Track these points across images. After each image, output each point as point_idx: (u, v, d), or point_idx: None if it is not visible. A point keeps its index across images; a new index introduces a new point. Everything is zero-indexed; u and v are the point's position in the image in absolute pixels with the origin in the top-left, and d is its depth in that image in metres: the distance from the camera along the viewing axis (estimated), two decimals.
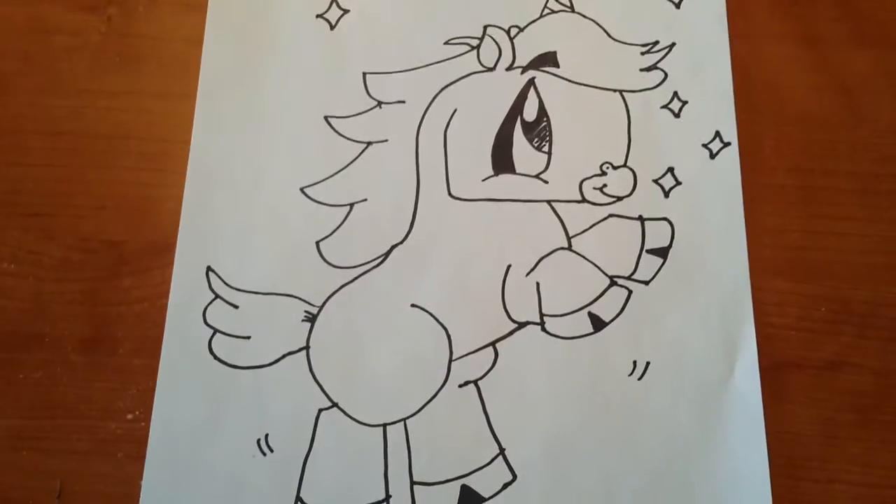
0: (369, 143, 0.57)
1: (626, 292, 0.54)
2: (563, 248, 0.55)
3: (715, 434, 0.52)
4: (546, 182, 0.56)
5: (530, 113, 0.58)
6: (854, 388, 0.53)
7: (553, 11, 0.60)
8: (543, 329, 0.54)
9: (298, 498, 0.51)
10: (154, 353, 0.53)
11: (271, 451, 0.51)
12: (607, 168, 0.56)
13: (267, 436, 0.52)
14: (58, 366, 0.54)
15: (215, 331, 0.53)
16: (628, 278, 0.54)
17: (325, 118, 0.58)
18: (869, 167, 0.57)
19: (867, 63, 0.59)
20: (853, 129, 0.58)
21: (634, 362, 0.53)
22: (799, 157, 0.57)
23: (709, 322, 0.54)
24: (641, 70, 0.59)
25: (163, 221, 0.56)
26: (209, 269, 0.55)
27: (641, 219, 0.55)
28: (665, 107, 0.58)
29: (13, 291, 0.55)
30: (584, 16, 0.60)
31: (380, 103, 0.58)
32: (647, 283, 0.54)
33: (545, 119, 0.58)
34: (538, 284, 0.54)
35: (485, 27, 0.60)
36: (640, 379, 0.53)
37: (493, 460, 0.51)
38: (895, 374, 0.53)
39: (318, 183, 0.57)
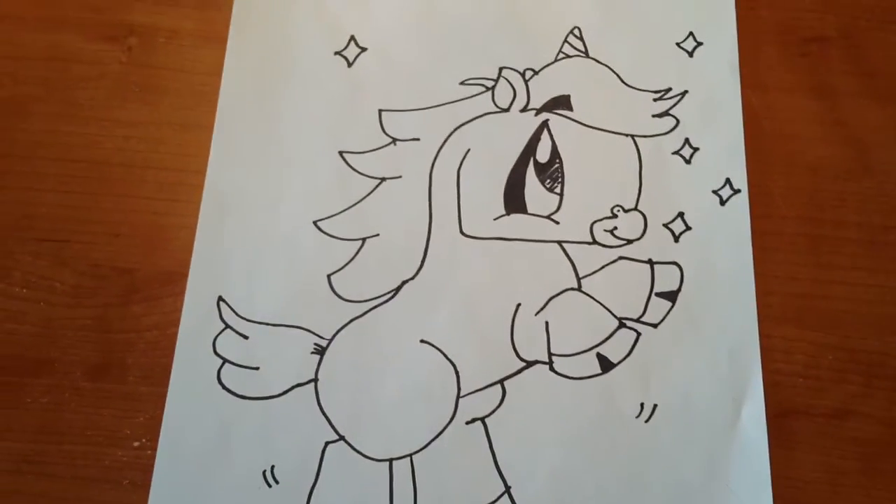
0: (383, 179, 0.58)
1: (634, 335, 0.54)
2: (572, 289, 0.55)
3: (720, 479, 0.52)
4: (557, 223, 0.57)
5: (543, 154, 0.58)
6: (860, 436, 0.53)
7: (567, 56, 0.61)
8: (552, 368, 0.54)
9: None
10: (163, 382, 0.53)
11: (277, 482, 0.51)
12: (618, 211, 0.57)
13: (273, 467, 0.52)
14: (66, 391, 0.54)
15: (224, 360, 0.54)
16: (637, 321, 0.55)
17: (340, 153, 0.58)
18: (877, 218, 0.57)
19: (877, 116, 0.60)
20: (862, 181, 0.58)
21: (642, 404, 0.53)
22: (808, 206, 0.58)
23: (717, 367, 0.54)
24: (654, 116, 0.59)
25: (175, 250, 0.56)
26: (220, 298, 0.55)
27: (651, 262, 0.56)
28: (676, 153, 0.59)
29: (24, 316, 0.55)
30: (597, 61, 0.61)
31: (394, 140, 0.59)
32: (655, 325, 0.55)
33: (558, 161, 0.58)
34: (547, 324, 0.54)
35: (500, 69, 0.60)
36: (647, 421, 0.53)
37: (498, 498, 0.51)
38: None
39: (331, 217, 0.57)
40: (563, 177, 0.58)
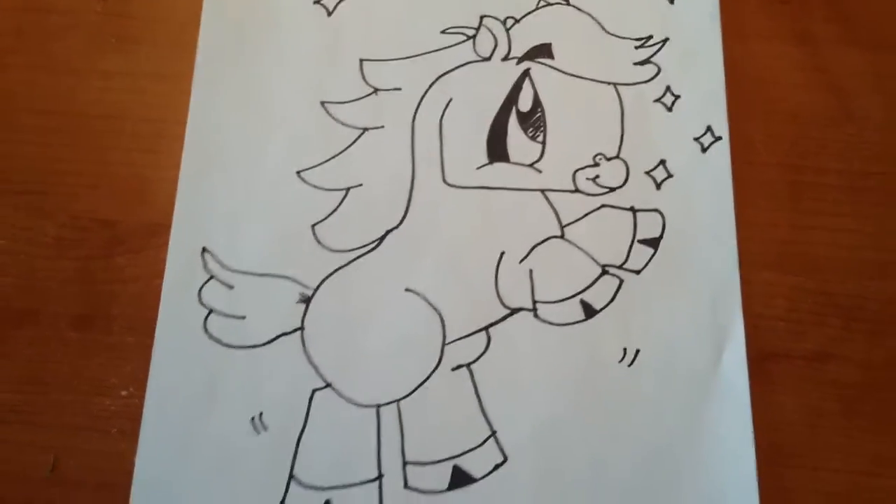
0: (365, 129, 0.58)
1: (617, 281, 0.55)
2: (556, 237, 0.56)
3: (702, 421, 0.53)
4: (540, 171, 0.57)
5: (525, 103, 0.58)
6: (839, 378, 0.54)
7: (549, 4, 0.61)
8: (536, 315, 0.54)
9: (292, 475, 0.51)
10: (148, 332, 0.53)
11: (265, 429, 0.52)
12: (600, 159, 0.57)
13: (261, 414, 0.52)
14: (51, 342, 0.54)
15: (210, 310, 0.54)
16: (620, 267, 0.55)
17: (322, 103, 0.58)
18: (857, 165, 0.58)
19: (857, 62, 0.60)
20: (843, 127, 0.59)
21: (624, 349, 0.54)
22: (789, 153, 0.58)
23: (698, 312, 0.54)
24: (635, 64, 0.60)
25: (158, 202, 0.56)
26: (204, 249, 0.55)
27: (633, 209, 0.56)
28: (658, 100, 0.59)
29: (6, 268, 0.55)
30: (579, 9, 0.61)
31: (376, 90, 0.59)
32: (638, 272, 0.55)
33: (539, 110, 0.58)
34: (531, 272, 0.55)
35: (481, 17, 0.60)
36: (629, 366, 0.54)
37: (484, 442, 0.52)
38: (879, 366, 0.54)
39: (314, 167, 0.57)
40: (545, 125, 0.58)
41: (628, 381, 0.53)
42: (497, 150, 0.57)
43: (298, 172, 0.57)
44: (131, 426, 0.52)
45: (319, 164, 0.57)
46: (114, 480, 0.51)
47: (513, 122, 0.58)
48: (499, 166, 0.57)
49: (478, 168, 0.57)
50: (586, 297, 0.55)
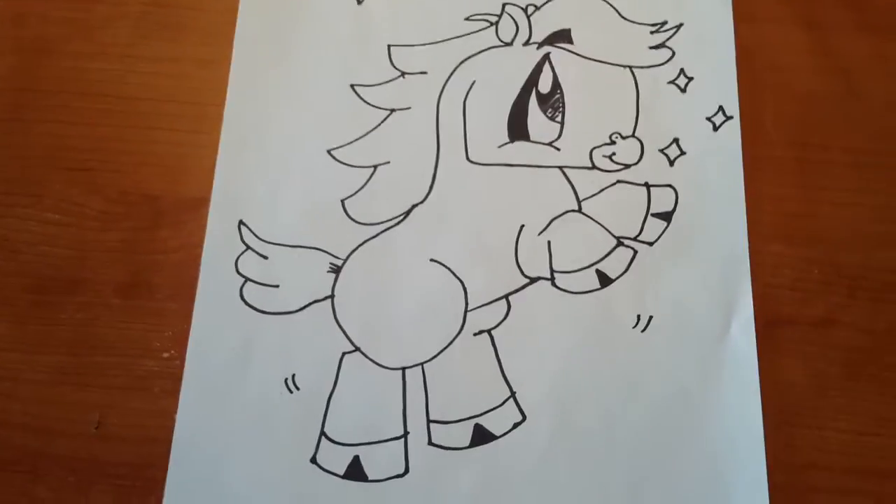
0: (392, 111, 0.61)
1: (631, 252, 0.58)
2: (573, 211, 0.58)
3: (712, 383, 0.55)
4: (558, 149, 0.60)
5: (545, 85, 0.61)
6: (843, 343, 0.56)
7: None
8: (553, 284, 0.57)
9: (322, 433, 0.54)
10: (188, 298, 0.57)
11: (297, 389, 0.55)
12: (616, 137, 0.60)
13: (294, 375, 0.55)
14: (98, 308, 0.57)
15: (246, 279, 0.57)
16: (634, 239, 0.58)
17: (352, 86, 0.62)
18: (862, 142, 0.60)
19: (864, 46, 0.63)
20: (848, 107, 0.61)
21: (638, 316, 0.56)
22: (797, 131, 0.61)
23: (709, 280, 0.57)
24: (650, 48, 0.62)
25: (198, 178, 0.60)
26: (241, 222, 0.58)
27: (647, 185, 0.59)
28: (672, 82, 0.62)
29: (57, 239, 0.59)
30: None
31: (403, 73, 0.62)
32: (651, 244, 0.58)
33: (559, 91, 0.61)
34: (549, 243, 0.58)
35: (503, 5, 0.63)
36: (643, 331, 0.56)
37: (504, 402, 0.55)
38: (882, 332, 0.56)
39: (344, 146, 0.60)
40: (563, 106, 0.61)
41: (642, 346, 0.56)
42: (518, 129, 0.60)
43: (329, 151, 0.60)
44: (172, 385, 0.55)
45: (349, 143, 0.60)
46: (155, 435, 0.55)
47: (533, 103, 0.61)
48: (519, 144, 0.60)
49: (499, 146, 0.60)
50: (602, 266, 0.57)
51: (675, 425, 0.55)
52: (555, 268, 0.57)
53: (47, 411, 0.55)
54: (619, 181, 0.59)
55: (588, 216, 0.58)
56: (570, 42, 0.62)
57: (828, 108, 0.61)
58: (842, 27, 0.63)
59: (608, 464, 0.54)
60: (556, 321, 0.57)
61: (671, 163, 0.60)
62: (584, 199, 0.59)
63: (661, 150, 0.60)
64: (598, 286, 0.57)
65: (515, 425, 0.55)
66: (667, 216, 0.58)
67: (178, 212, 0.59)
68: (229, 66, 0.62)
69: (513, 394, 0.55)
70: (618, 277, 0.57)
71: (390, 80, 0.62)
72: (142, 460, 0.54)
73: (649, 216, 0.58)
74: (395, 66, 0.62)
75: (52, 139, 0.61)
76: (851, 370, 0.56)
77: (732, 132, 0.60)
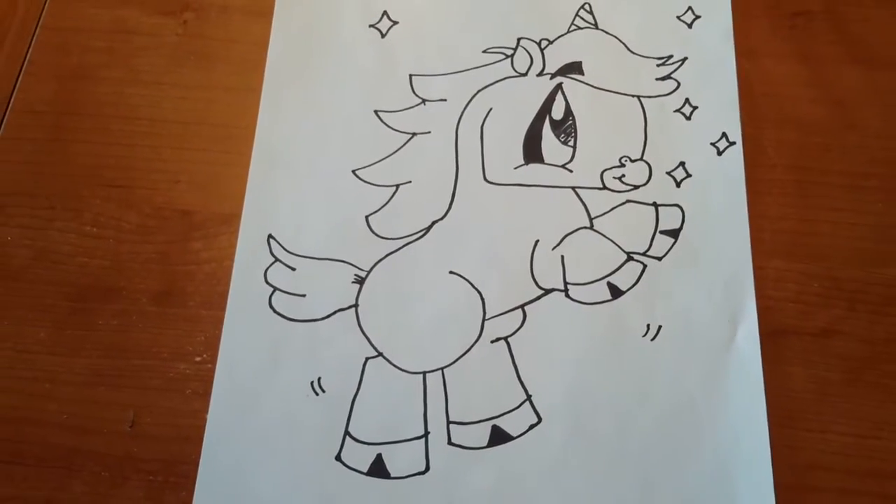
0: (414, 134, 0.65)
1: (641, 266, 0.61)
2: (585, 227, 0.62)
3: (720, 390, 0.58)
4: (571, 171, 0.63)
5: (558, 112, 0.65)
6: (843, 352, 0.59)
7: (579, 28, 0.68)
8: (567, 295, 0.60)
9: (347, 432, 0.57)
10: (220, 306, 0.60)
11: (323, 391, 0.58)
12: (625, 161, 0.63)
13: (319, 378, 0.58)
14: (133, 315, 0.60)
15: (275, 289, 0.60)
16: (643, 254, 0.61)
17: (376, 112, 0.65)
18: (858, 167, 0.64)
19: (858, 79, 0.66)
20: (844, 135, 0.65)
21: (648, 325, 0.59)
22: (796, 156, 0.64)
23: (714, 293, 0.60)
24: (657, 79, 0.66)
25: (229, 195, 0.63)
26: (270, 236, 0.61)
27: (655, 204, 0.62)
28: (678, 111, 0.65)
29: (94, 251, 0.62)
30: (606, 32, 0.68)
31: (424, 101, 0.66)
32: (659, 258, 0.61)
33: (571, 118, 0.65)
34: (563, 257, 0.61)
35: (518, 39, 0.67)
36: (652, 340, 0.59)
37: (520, 405, 0.57)
38: (880, 341, 0.59)
39: (368, 166, 0.64)
40: (576, 132, 0.64)
41: (651, 354, 0.59)
42: (532, 152, 0.64)
43: (354, 171, 0.63)
44: (204, 387, 0.58)
45: (373, 164, 0.64)
46: (187, 434, 0.57)
47: (546, 128, 0.65)
48: (534, 166, 0.63)
49: (515, 168, 0.63)
50: (613, 280, 0.60)
51: (683, 428, 0.57)
52: (568, 280, 0.60)
53: (83, 410, 0.58)
54: (628, 201, 0.63)
55: (599, 232, 0.62)
56: (582, 73, 0.66)
57: (825, 135, 0.65)
58: (836, 62, 0.67)
59: (620, 464, 0.56)
60: (569, 330, 0.59)
61: (678, 184, 0.63)
62: (595, 217, 0.62)
63: (668, 173, 0.63)
64: (610, 298, 0.60)
65: (531, 427, 0.57)
66: (674, 233, 0.62)
67: (209, 226, 0.62)
68: (256, 92, 0.66)
69: (528, 397, 0.58)
70: (628, 290, 0.60)
71: (412, 107, 0.66)
72: (173, 457, 0.57)
73: (658, 233, 0.62)
74: (416, 94, 0.66)
75: (91, 159, 0.64)
76: (851, 377, 0.58)
77: (735, 156, 0.64)
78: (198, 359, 0.59)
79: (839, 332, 0.59)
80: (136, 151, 0.65)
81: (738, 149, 0.64)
